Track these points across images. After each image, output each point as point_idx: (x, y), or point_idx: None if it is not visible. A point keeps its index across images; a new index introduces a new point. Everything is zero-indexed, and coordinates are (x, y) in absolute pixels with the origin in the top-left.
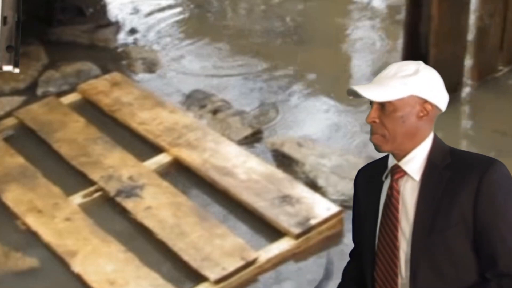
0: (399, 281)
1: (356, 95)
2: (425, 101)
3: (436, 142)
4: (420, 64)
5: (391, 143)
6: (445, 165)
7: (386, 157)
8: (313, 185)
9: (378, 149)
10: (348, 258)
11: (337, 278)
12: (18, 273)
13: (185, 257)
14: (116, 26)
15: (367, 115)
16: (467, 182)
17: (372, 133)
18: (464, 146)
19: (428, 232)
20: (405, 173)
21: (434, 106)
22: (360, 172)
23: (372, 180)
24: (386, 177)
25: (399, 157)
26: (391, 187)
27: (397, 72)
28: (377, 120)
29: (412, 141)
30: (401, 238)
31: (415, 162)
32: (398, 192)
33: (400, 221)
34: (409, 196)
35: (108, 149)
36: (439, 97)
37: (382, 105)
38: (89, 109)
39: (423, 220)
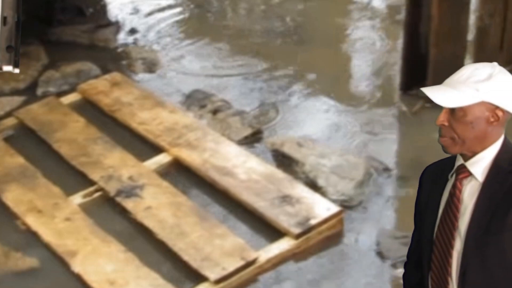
0: (450, 279)
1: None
2: (496, 107)
3: (506, 145)
4: (494, 67)
5: (459, 146)
6: (511, 170)
7: (454, 157)
8: (313, 185)
9: (446, 150)
10: (349, 259)
11: (336, 278)
12: (18, 273)
13: (185, 257)
14: (116, 26)
15: (437, 117)
16: None
17: (440, 135)
18: None
19: (483, 233)
20: (470, 173)
21: (506, 112)
22: (427, 169)
23: (438, 178)
24: (452, 175)
25: (466, 158)
26: (454, 186)
27: (469, 77)
28: (446, 123)
29: (481, 145)
30: (457, 238)
31: (481, 164)
32: (460, 191)
33: (458, 220)
34: (469, 196)
35: (108, 149)
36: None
37: (452, 109)
38: (89, 109)
39: (479, 220)
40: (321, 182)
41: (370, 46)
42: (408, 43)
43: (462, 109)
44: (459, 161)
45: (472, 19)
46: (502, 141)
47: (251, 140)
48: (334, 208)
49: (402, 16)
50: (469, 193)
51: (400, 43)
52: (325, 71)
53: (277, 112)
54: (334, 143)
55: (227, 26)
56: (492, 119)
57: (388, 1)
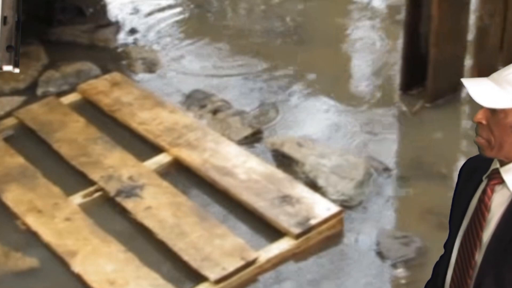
0: None
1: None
2: None
3: None
4: None
5: (496, 150)
6: None
7: None
8: (313, 185)
9: (481, 152)
10: (349, 259)
11: (336, 278)
12: (18, 273)
13: (185, 257)
14: (116, 26)
15: (476, 114)
16: None
17: (477, 133)
18: (464, 146)
19: (504, 249)
20: (502, 180)
21: None
22: (468, 162)
23: (474, 174)
24: (486, 177)
25: (502, 163)
26: (484, 192)
27: None
28: (485, 122)
29: None
30: (479, 248)
31: None
32: (490, 199)
33: (483, 229)
34: (498, 206)
35: (108, 149)
36: None
37: (493, 109)
38: (89, 109)
39: (502, 235)
40: (321, 182)
41: (370, 46)
42: (408, 43)
43: (504, 110)
44: (495, 164)
45: (472, 19)
46: None
47: (251, 140)
48: (334, 208)
49: (402, 16)
50: (498, 202)
51: (400, 43)
52: (325, 71)
53: (277, 112)
54: (334, 143)
55: (227, 26)
56: None
57: (388, 1)
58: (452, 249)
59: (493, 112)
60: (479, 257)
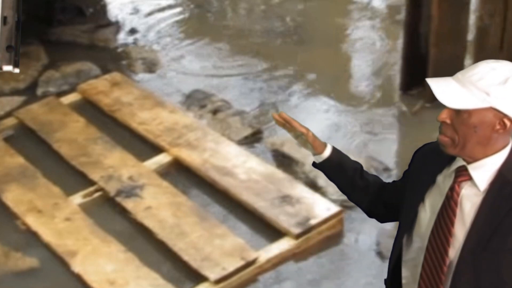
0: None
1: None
2: (505, 116)
3: None
4: None
5: (459, 149)
6: None
7: None
8: (313, 185)
9: (443, 149)
10: (348, 259)
11: (336, 278)
12: (18, 273)
13: (185, 257)
14: (116, 26)
15: (440, 113)
16: None
17: (440, 132)
18: None
19: (481, 248)
20: (470, 178)
21: None
22: (423, 148)
23: (431, 164)
24: (450, 174)
25: (467, 161)
26: (452, 188)
27: (483, 77)
28: (449, 121)
29: (483, 151)
30: (452, 245)
31: (484, 171)
32: (458, 195)
33: (454, 225)
34: (469, 203)
35: (108, 149)
36: None
37: (458, 109)
38: (89, 109)
39: (479, 234)
40: (321, 182)
41: (370, 46)
42: (408, 43)
43: (467, 110)
44: (460, 161)
45: (472, 19)
46: (509, 150)
47: (251, 140)
48: (334, 208)
49: (402, 16)
50: (469, 200)
51: (400, 43)
52: (325, 71)
53: (277, 112)
54: (334, 143)
55: (227, 26)
56: (498, 127)
57: (388, 1)
58: (401, 245)
59: (457, 112)
60: (455, 256)
